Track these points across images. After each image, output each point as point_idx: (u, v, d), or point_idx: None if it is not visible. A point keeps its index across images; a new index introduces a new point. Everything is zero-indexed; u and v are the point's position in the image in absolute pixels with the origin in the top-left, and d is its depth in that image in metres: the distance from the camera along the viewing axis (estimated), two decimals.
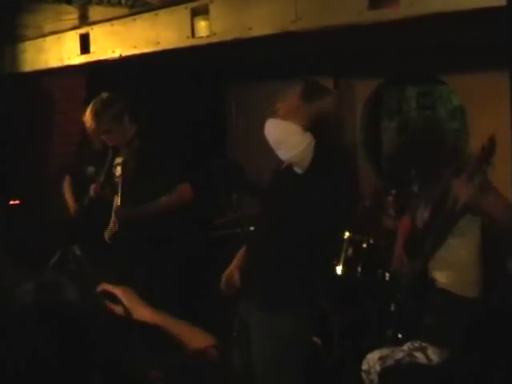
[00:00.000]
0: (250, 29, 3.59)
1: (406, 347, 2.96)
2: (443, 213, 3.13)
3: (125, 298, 1.67)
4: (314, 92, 2.78)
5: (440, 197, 3.18)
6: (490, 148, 2.86)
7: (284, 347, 2.71)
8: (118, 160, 3.98)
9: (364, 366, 3.02)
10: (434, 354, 2.86)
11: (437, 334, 3.09)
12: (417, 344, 2.95)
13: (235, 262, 3.11)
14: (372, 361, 2.97)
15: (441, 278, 3.26)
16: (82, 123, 4.61)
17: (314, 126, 2.66)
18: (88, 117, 3.81)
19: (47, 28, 4.93)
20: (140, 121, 3.96)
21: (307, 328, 2.88)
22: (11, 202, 5.64)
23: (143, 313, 1.67)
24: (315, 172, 2.58)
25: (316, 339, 4.06)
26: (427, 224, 3.28)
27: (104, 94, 3.84)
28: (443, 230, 3.14)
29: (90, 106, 3.81)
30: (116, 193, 3.91)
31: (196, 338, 1.68)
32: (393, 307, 4.11)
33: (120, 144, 3.95)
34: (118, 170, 3.96)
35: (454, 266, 3.22)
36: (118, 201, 3.82)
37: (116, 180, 3.99)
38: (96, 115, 3.76)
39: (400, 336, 3.59)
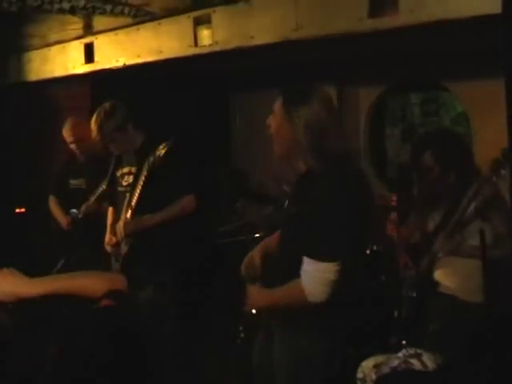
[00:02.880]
0: (252, 37, 3.62)
1: (401, 354, 2.95)
2: (452, 220, 3.15)
3: (7, 284, 1.62)
4: (296, 98, 2.60)
5: (451, 205, 3.21)
6: (502, 162, 2.89)
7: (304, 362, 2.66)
8: (126, 169, 3.99)
9: (359, 375, 2.99)
10: (429, 361, 2.85)
11: (440, 340, 3.09)
12: (412, 351, 2.94)
13: (258, 248, 3.00)
14: (367, 369, 2.95)
15: (446, 283, 3.26)
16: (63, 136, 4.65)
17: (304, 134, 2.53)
18: (92, 127, 3.84)
19: (52, 38, 4.98)
20: (147, 128, 3.98)
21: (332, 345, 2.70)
22: (17, 210, 5.68)
23: (33, 289, 1.62)
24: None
25: None
26: (435, 229, 3.29)
27: (107, 104, 3.86)
28: (451, 236, 3.17)
29: (94, 117, 3.84)
30: (125, 202, 3.90)
31: (96, 286, 1.63)
32: (396, 314, 4.11)
33: (125, 152, 3.97)
34: (127, 180, 3.96)
35: (459, 272, 3.22)
36: (128, 213, 3.80)
37: (121, 189, 4.00)
38: (99, 126, 3.79)
39: (404, 343, 3.58)
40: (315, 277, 2.47)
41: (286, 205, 2.80)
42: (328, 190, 2.50)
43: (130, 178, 3.93)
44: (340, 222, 2.47)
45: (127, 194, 3.89)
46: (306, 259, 2.49)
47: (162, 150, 3.63)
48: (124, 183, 3.99)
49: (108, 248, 3.95)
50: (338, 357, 2.77)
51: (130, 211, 3.78)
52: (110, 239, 3.95)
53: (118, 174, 4.04)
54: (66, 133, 4.57)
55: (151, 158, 3.65)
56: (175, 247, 3.91)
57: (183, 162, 3.89)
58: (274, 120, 2.61)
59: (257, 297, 2.69)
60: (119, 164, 4.04)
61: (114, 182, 4.08)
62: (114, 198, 4.09)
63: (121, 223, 3.84)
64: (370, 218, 2.65)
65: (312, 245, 2.48)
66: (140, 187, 3.71)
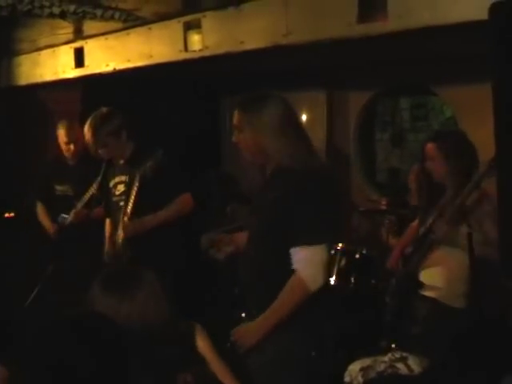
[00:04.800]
0: (242, 42, 3.63)
1: (386, 358, 2.97)
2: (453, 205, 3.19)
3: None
4: (253, 106, 2.71)
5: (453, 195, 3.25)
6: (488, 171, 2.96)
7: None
8: (118, 179, 4.00)
9: (346, 378, 3.00)
10: (415, 364, 2.87)
11: (424, 344, 3.12)
12: (397, 354, 2.96)
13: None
14: (354, 372, 2.96)
15: (430, 288, 3.29)
16: (53, 140, 4.64)
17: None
18: (86, 130, 3.86)
19: (42, 42, 4.97)
20: (138, 137, 4.00)
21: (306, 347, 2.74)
22: (6, 215, 5.65)
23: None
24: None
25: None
26: (426, 232, 3.33)
27: (104, 109, 3.89)
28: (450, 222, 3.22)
29: (89, 120, 3.86)
30: (120, 211, 3.91)
31: None
32: (386, 317, 4.14)
33: (115, 158, 3.99)
34: (119, 189, 3.98)
35: (444, 277, 3.25)
36: (124, 219, 3.81)
37: (114, 199, 4.01)
38: (94, 129, 3.80)
39: (394, 346, 3.61)
40: (311, 261, 2.54)
41: (260, 193, 2.84)
42: (301, 180, 2.59)
43: (122, 187, 3.95)
44: (318, 207, 2.57)
45: (121, 204, 3.91)
46: (296, 250, 2.56)
47: (152, 161, 3.67)
48: (117, 193, 4.00)
49: (107, 259, 3.94)
50: (324, 357, 2.81)
51: (125, 219, 3.79)
52: (108, 249, 3.95)
53: (111, 184, 4.05)
54: (62, 132, 4.56)
55: (142, 168, 3.68)
56: (172, 252, 3.93)
57: (175, 168, 3.91)
58: (238, 133, 2.70)
59: (253, 329, 2.67)
60: (111, 174, 4.06)
61: (107, 192, 4.09)
62: (109, 208, 4.09)
63: (119, 234, 3.85)
64: (340, 210, 2.83)
65: (299, 233, 2.55)
66: (134, 196, 3.73)
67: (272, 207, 2.66)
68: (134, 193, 3.72)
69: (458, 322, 3.07)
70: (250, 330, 2.70)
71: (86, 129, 3.84)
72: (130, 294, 1.91)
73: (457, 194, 3.15)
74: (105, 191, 4.11)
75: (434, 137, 3.43)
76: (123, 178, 3.95)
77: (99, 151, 3.90)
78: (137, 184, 3.70)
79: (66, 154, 4.59)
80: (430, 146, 3.33)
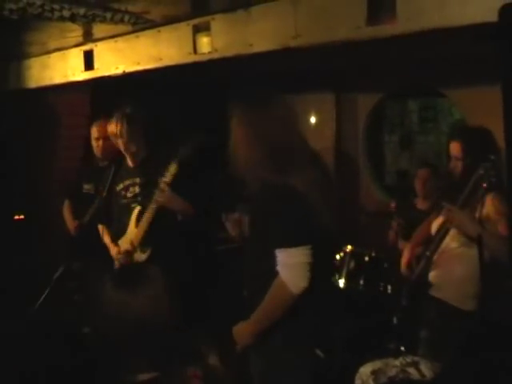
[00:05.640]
0: (251, 45, 3.63)
1: (398, 362, 2.95)
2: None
3: None
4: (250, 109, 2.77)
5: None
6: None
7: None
8: (131, 181, 4.01)
9: (357, 381, 2.99)
10: (426, 369, 2.85)
11: (433, 346, 3.11)
12: (409, 359, 2.94)
13: None
14: (365, 375, 2.95)
15: (439, 289, 3.29)
16: (85, 140, 4.67)
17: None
18: (113, 128, 3.91)
19: (52, 45, 4.99)
20: (151, 143, 4.03)
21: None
22: (16, 217, 5.68)
23: None
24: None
25: (319, 352, 4.07)
26: (436, 231, 3.33)
27: (127, 107, 3.95)
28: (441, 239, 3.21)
29: (115, 118, 3.92)
30: (130, 212, 3.93)
31: None
32: (395, 320, 4.13)
33: (126, 160, 4.00)
34: (133, 191, 3.99)
35: (453, 279, 3.24)
36: (143, 221, 3.82)
37: (124, 201, 4.01)
38: (121, 117, 3.88)
39: (403, 349, 3.60)
40: (291, 264, 2.51)
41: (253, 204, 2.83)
42: (278, 184, 2.57)
43: (136, 189, 3.97)
44: (294, 209, 2.53)
45: (133, 205, 3.93)
46: (277, 252, 2.54)
47: (194, 140, 3.74)
48: (129, 195, 4.00)
49: (118, 258, 3.94)
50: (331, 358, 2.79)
51: (146, 219, 3.79)
52: (118, 251, 3.96)
53: (119, 187, 4.05)
54: (94, 128, 4.63)
55: (173, 164, 3.69)
56: (182, 253, 3.95)
57: (185, 174, 3.93)
58: (233, 135, 2.76)
59: (244, 330, 2.67)
60: (118, 178, 4.07)
61: (112, 197, 4.09)
62: (109, 215, 4.10)
63: (132, 236, 3.86)
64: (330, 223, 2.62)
65: (280, 236, 2.53)
66: (172, 172, 3.71)
67: (256, 210, 2.72)
68: (174, 167, 3.70)
69: (468, 325, 3.05)
70: (242, 330, 2.70)
71: (113, 127, 3.91)
72: (134, 291, 1.90)
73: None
74: (109, 196, 4.11)
75: (458, 135, 3.39)
76: (137, 180, 3.97)
77: (122, 141, 3.91)
78: (168, 178, 3.69)
79: (96, 150, 4.65)
80: (454, 144, 3.29)
